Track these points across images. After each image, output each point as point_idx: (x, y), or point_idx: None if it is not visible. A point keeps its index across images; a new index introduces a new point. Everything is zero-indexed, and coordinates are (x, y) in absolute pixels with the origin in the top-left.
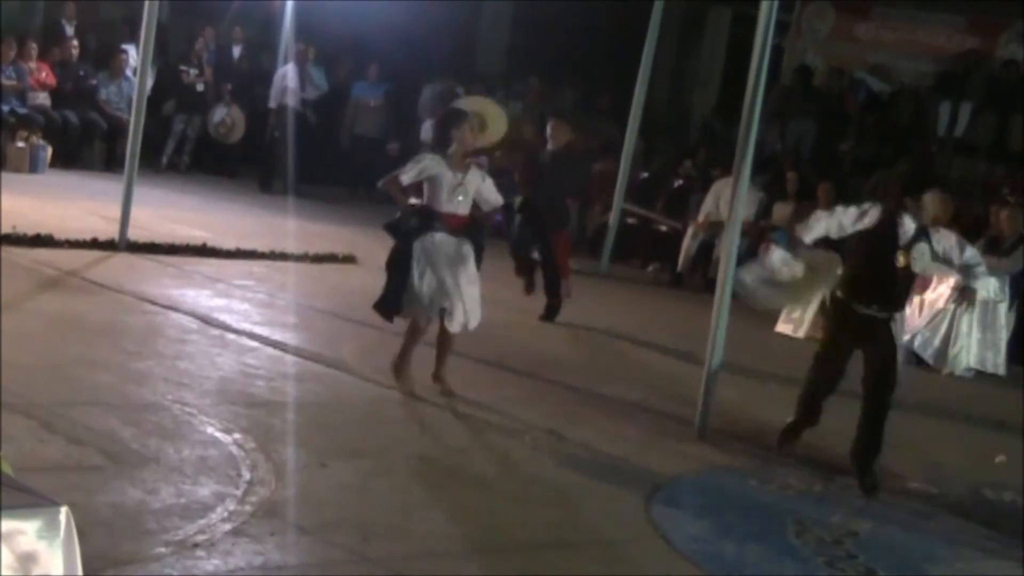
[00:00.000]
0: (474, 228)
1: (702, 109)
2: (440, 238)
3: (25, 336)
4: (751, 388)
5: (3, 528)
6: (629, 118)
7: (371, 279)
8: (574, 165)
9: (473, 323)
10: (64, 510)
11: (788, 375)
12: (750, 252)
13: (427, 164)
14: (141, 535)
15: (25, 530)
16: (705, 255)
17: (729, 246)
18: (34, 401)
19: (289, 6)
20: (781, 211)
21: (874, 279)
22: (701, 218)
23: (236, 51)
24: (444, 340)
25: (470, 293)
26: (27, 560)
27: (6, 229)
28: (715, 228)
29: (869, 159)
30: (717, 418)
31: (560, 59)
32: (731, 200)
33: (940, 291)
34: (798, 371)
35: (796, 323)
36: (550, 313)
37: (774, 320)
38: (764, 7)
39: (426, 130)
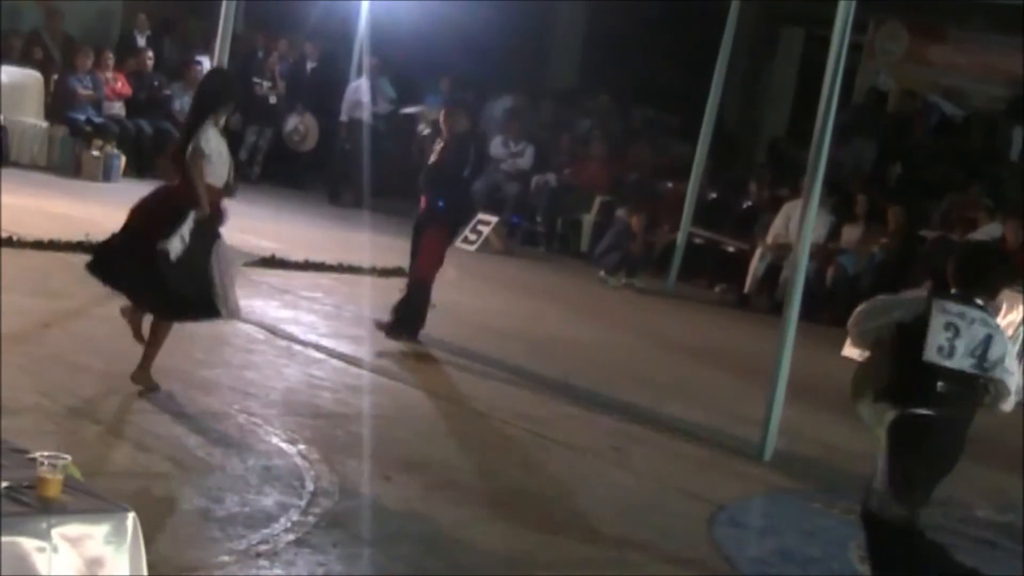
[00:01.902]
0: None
1: (772, 129)
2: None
3: (95, 342)
4: (815, 411)
5: (72, 532)
6: (699, 138)
7: (438, 294)
8: (466, 156)
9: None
10: (131, 516)
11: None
12: (818, 275)
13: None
14: (205, 543)
15: (93, 534)
16: (772, 277)
17: (797, 268)
18: (103, 407)
19: (363, 20)
20: (850, 233)
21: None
22: (770, 239)
23: (309, 65)
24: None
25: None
26: (94, 564)
27: (79, 237)
28: (783, 250)
29: (939, 183)
30: (781, 440)
31: (632, 77)
32: (800, 222)
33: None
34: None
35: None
36: (396, 327)
37: (841, 343)
38: (838, 28)
39: (496, 145)
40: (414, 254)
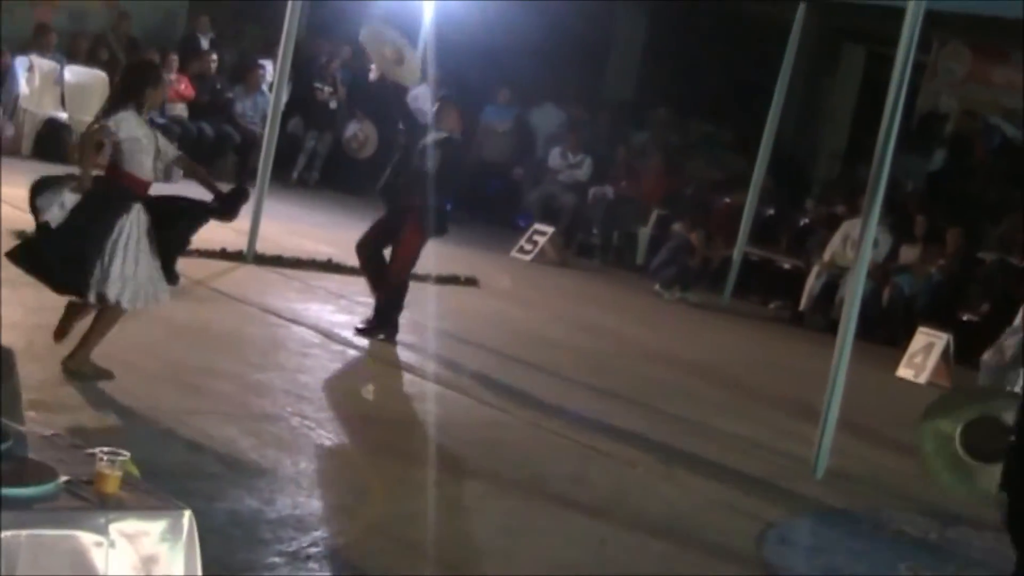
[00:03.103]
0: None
1: (831, 147)
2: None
3: (151, 342)
4: (869, 431)
5: (129, 528)
6: (757, 153)
7: (493, 303)
8: (457, 154)
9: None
10: (187, 514)
11: (907, 420)
12: (874, 294)
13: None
14: (256, 544)
15: (150, 531)
16: (828, 295)
17: (854, 287)
18: (157, 406)
19: (425, 28)
20: (908, 254)
21: None
22: (827, 257)
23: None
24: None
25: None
26: (150, 561)
27: None
28: (840, 268)
29: (999, 204)
30: (833, 459)
31: (690, 90)
32: (859, 241)
33: None
34: (917, 416)
35: (918, 368)
36: (377, 323)
37: (895, 364)
38: (902, 46)
39: (554, 156)
40: (393, 252)
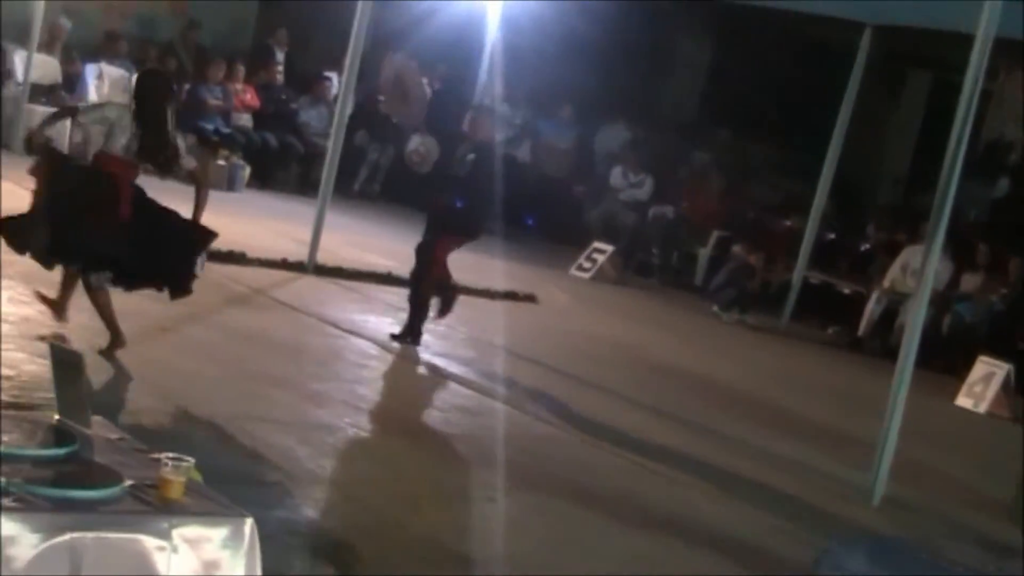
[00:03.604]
0: None
1: (893, 172)
2: None
3: (212, 349)
4: (927, 459)
5: (191, 533)
6: (819, 177)
7: (550, 319)
8: (489, 161)
9: None
10: (249, 521)
11: (966, 449)
12: (934, 322)
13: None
14: (312, 553)
15: (212, 537)
16: (887, 321)
17: (916, 315)
18: (216, 413)
19: (489, 45)
20: (969, 282)
21: None
22: (887, 283)
23: (435, 86)
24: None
25: None
26: (211, 567)
27: None
28: (899, 294)
29: None
30: (890, 487)
31: (753, 113)
32: (921, 268)
33: None
34: (976, 445)
35: (977, 397)
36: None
37: (954, 392)
38: (971, 73)
39: (615, 175)
40: (424, 260)
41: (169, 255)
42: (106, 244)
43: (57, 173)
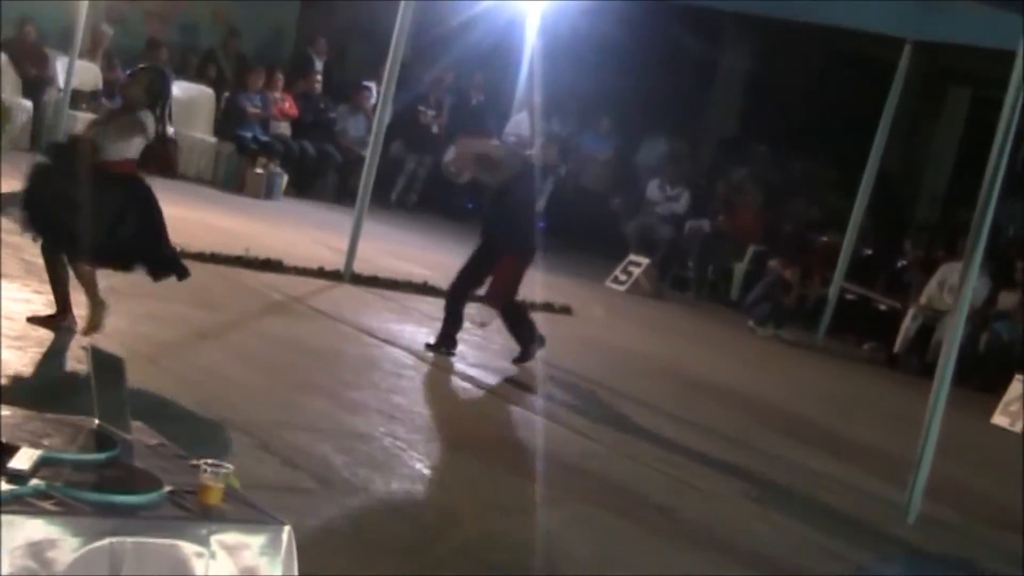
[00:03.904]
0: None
1: (932, 189)
2: None
3: (249, 356)
4: (962, 477)
5: (230, 540)
6: (857, 192)
7: (586, 331)
8: (553, 186)
9: None
10: (287, 529)
11: (1002, 468)
12: (971, 339)
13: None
14: (347, 562)
15: (250, 544)
16: (924, 338)
17: (953, 332)
18: (253, 420)
19: (528, 57)
20: (1007, 300)
21: None
22: (923, 300)
23: (475, 97)
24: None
25: None
26: (248, 574)
27: (239, 252)
28: (936, 311)
29: None
30: (926, 504)
31: (792, 128)
32: (959, 285)
33: None
34: (1012, 464)
35: (1013, 416)
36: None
37: (991, 411)
38: (1011, 91)
39: (652, 188)
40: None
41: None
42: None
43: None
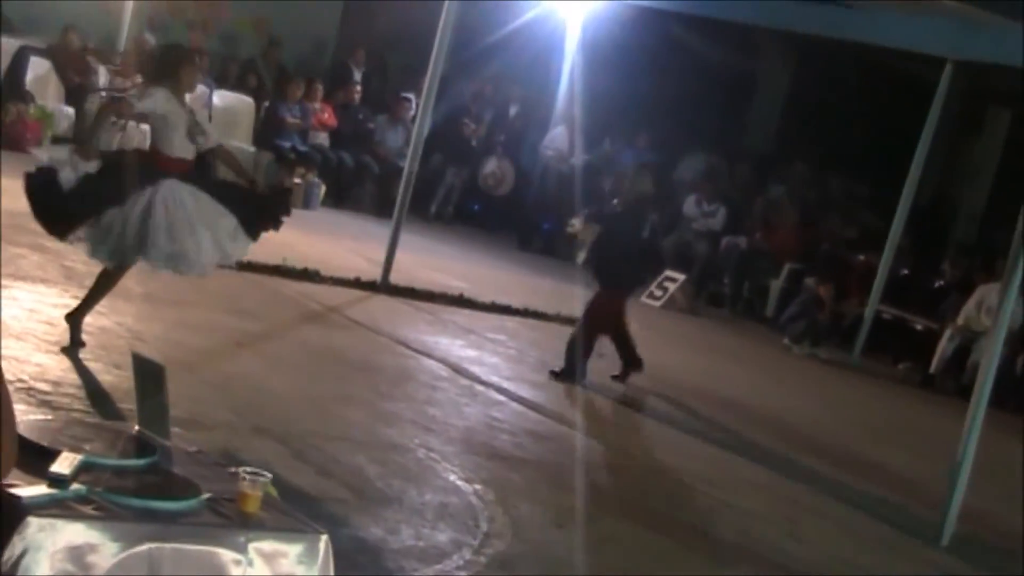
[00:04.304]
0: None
1: (970, 209)
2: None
3: (285, 365)
4: (997, 500)
5: (267, 548)
6: (895, 212)
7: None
8: (643, 218)
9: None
10: (324, 538)
11: None
12: (1008, 361)
13: (159, 99)
14: (380, 573)
15: (287, 552)
16: (960, 359)
17: (990, 354)
18: (289, 429)
19: (568, 71)
20: None
21: None
22: (960, 321)
23: (512, 109)
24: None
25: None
26: None
27: (276, 261)
28: (973, 332)
29: None
30: (961, 526)
31: (830, 146)
32: (997, 306)
33: None
34: None
35: None
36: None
37: None
38: None
39: (689, 204)
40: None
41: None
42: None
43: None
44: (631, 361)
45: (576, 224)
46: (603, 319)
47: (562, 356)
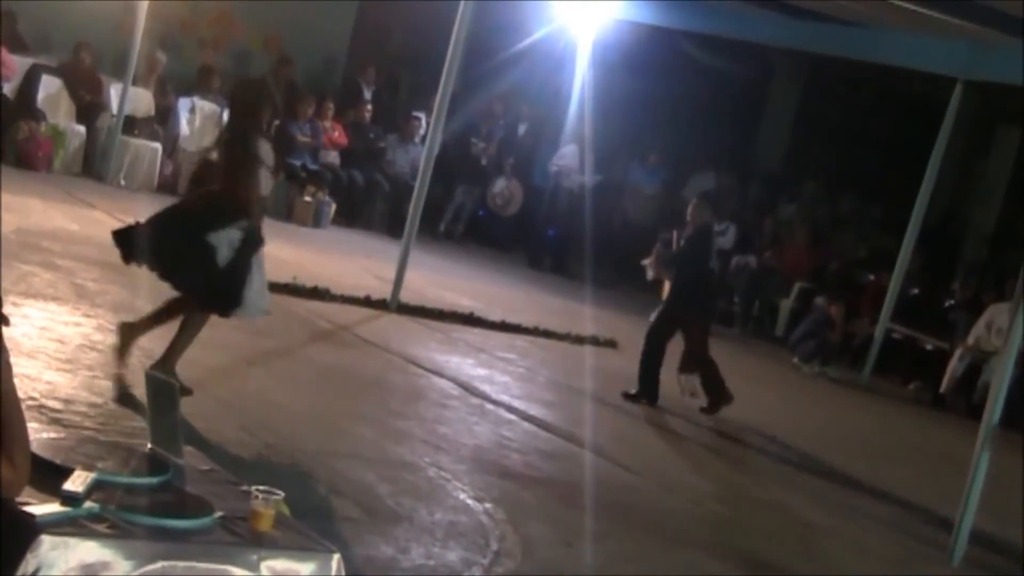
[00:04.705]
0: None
1: (980, 229)
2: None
3: (296, 383)
4: (1009, 521)
5: (279, 566)
6: (906, 231)
7: (630, 365)
8: (707, 247)
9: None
10: (336, 557)
11: None
12: (1019, 381)
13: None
14: None
15: (299, 571)
16: (971, 379)
17: (1002, 374)
18: (299, 447)
19: (578, 89)
20: None
21: None
22: (971, 341)
23: (521, 127)
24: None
25: None
26: None
27: (286, 279)
28: (984, 352)
29: None
30: (971, 547)
31: (840, 165)
32: (1007, 326)
33: None
34: None
35: None
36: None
37: None
38: None
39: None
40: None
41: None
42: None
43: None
44: (723, 395)
45: (651, 271)
46: (692, 353)
47: (574, 376)
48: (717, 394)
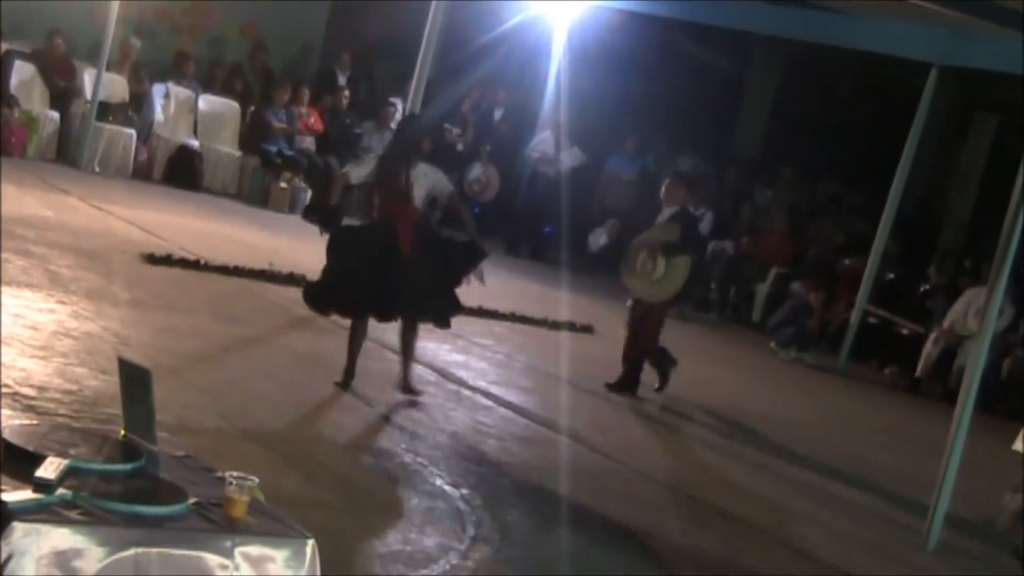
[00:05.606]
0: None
1: (956, 214)
2: None
3: (273, 371)
4: (983, 504)
5: (254, 552)
6: (881, 217)
7: (607, 351)
8: (693, 226)
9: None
10: (311, 543)
11: None
12: (994, 366)
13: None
14: None
15: (274, 557)
16: (946, 363)
17: (977, 358)
18: (277, 434)
19: (554, 76)
20: None
21: None
22: (946, 325)
23: (497, 113)
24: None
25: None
26: None
27: (262, 265)
28: (959, 337)
29: None
30: (946, 532)
31: (817, 152)
32: (984, 310)
33: None
34: None
35: None
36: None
37: (1012, 438)
38: None
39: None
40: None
41: (438, 289)
42: (392, 289)
43: (341, 235)
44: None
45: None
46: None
47: (550, 362)
48: (664, 373)
